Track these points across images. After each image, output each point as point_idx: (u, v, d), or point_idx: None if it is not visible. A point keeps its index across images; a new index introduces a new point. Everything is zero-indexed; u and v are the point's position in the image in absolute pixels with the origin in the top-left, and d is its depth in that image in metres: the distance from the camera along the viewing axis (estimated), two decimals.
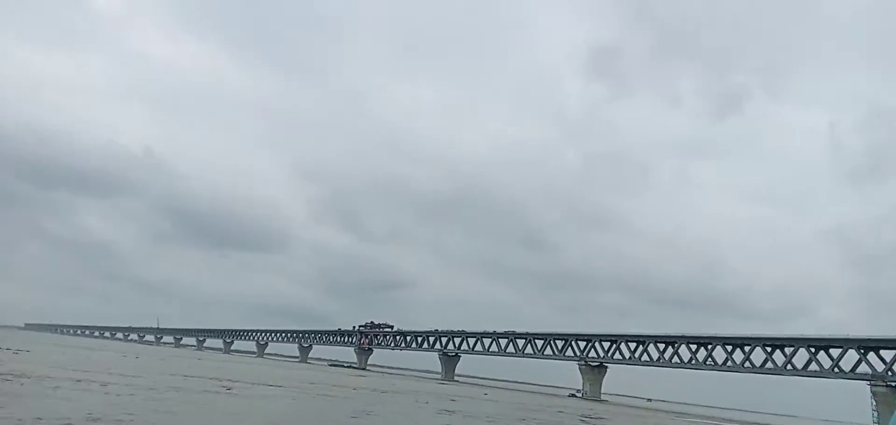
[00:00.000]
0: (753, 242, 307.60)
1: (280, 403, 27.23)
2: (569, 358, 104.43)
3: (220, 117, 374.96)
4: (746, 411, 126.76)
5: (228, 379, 38.42)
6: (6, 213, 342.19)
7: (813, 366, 77.85)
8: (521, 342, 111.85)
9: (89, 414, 15.52)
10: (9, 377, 23.17)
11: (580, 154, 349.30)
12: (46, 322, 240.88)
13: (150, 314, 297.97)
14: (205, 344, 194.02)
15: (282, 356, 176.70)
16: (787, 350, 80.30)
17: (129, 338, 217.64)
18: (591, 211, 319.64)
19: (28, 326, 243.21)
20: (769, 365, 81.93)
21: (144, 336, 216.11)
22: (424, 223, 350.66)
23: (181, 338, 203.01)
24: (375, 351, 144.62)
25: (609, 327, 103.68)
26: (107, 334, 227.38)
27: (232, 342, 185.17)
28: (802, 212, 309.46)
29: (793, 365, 79.57)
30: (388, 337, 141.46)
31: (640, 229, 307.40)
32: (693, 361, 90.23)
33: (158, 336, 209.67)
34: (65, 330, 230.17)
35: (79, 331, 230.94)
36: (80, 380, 25.33)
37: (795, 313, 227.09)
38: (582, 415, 44.59)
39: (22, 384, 21.43)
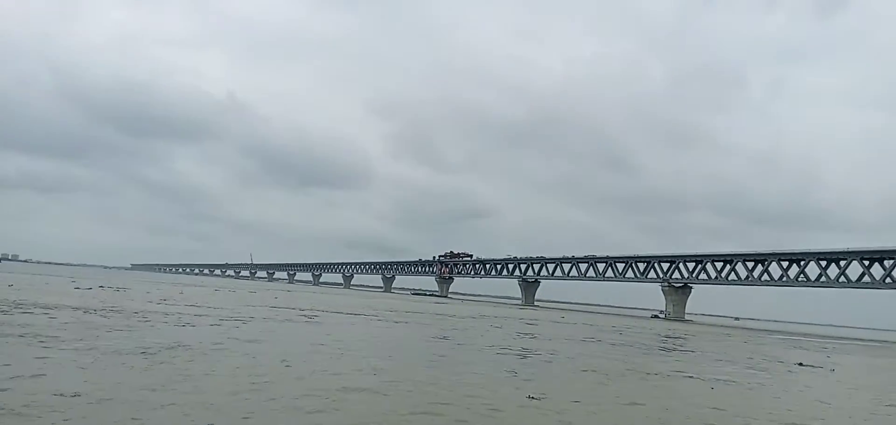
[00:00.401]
0: (856, 152, 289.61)
1: (365, 329, 28.17)
2: (651, 280, 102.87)
3: (297, 59, 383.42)
4: (844, 327, 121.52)
5: (313, 309, 40.04)
6: (109, 163, 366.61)
7: None
8: (601, 266, 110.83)
9: (178, 342, 16.56)
10: (109, 313, 24.90)
11: (665, 66, 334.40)
12: (151, 262, 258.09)
13: (243, 251, 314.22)
14: (295, 278, 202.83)
15: (367, 286, 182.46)
16: (887, 262, 75.89)
17: (226, 274, 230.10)
18: (679, 128, 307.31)
19: (134, 266, 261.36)
20: (866, 279, 77.85)
21: (240, 272, 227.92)
22: (502, 150, 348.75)
23: (274, 273, 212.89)
24: (456, 279, 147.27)
25: (697, 248, 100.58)
26: (206, 271, 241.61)
27: (320, 275, 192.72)
28: None
29: (892, 278, 75.23)
30: (467, 265, 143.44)
31: (732, 145, 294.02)
32: (784, 278, 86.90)
33: (253, 271, 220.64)
34: (167, 269, 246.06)
35: (180, 270, 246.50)
36: (173, 314, 26.95)
37: None
38: (664, 335, 43.99)
39: (122, 317, 23.00)
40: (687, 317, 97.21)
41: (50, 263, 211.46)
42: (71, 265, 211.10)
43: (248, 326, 23.22)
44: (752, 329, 79.20)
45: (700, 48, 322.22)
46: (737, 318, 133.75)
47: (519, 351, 21.16)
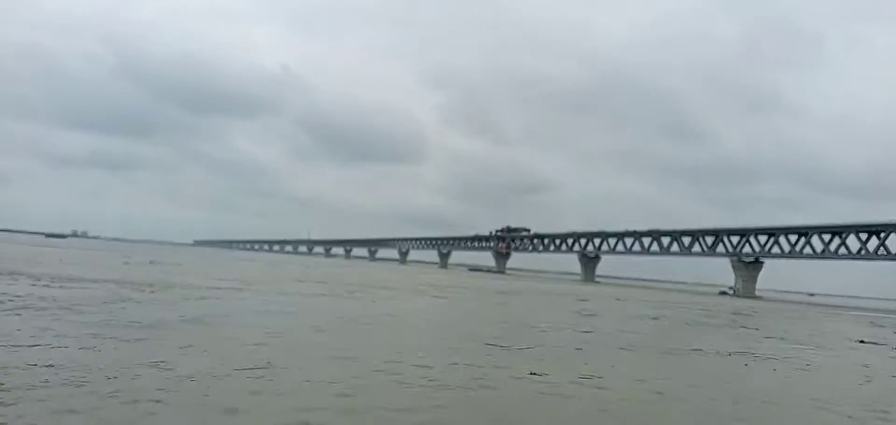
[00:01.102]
0: None
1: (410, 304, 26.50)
2: (720, 255, 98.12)
3: (349, 30, 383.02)
4: None
5: (360, 284, 38.63)
6: (171, 139, 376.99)
7: None
8: (665, 240, 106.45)
9: (227, 315, 15.46)
10: (145, 287, 23.92)
11: (736, 24, 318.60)
12: (213, 237, 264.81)
13: (301, 227, 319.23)
14: (351, 253, 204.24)
15: (424, 262, 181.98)
16: None
17: (285, 250, 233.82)
18: (750, 92, 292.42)
19: (197, 243, 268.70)
20: None
21: (298, 247, 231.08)
22: (561, 120, 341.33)
23: (330, 248, 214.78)
24: (513, 254, 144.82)
25: (769, 221, 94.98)
26: (265, 247, 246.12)
27: (376, 250, 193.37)
28: None
29: None
30: (525, 240, 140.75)
31: (808, 109, 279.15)
32: (863, 252, 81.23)
33: (310, 247, 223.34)
34: (229, 245, 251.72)
35: (242, 246, 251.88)
36: (218, 288, 25.84)
37: None
38: (732, 312, 40.79)
39: (155, 292, 21.93)
40: (758, 294, 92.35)
41: (117, 240, 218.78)
42: (137, 241, 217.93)
43: (280, 300, 21.76)
44: (827, 305, 74.27)
45: (772, 4, 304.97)
46: (812, 294, 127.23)
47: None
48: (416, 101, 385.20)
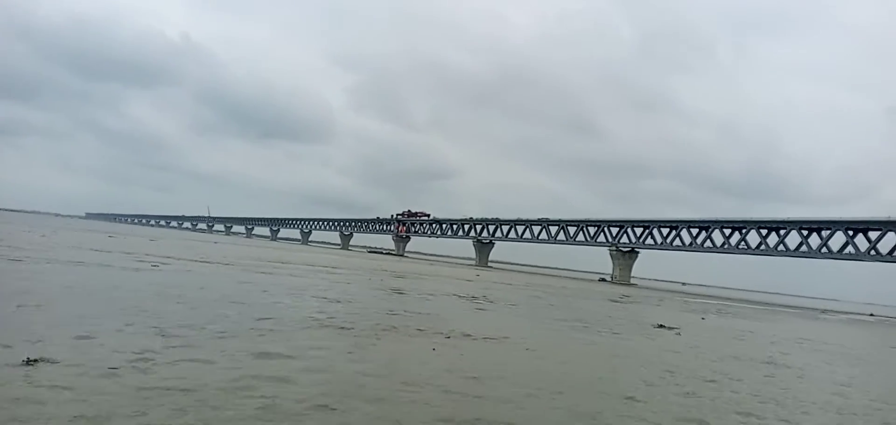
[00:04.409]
0: (814, 124, 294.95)
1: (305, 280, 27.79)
2: (601, 244, 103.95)
3: (259, 7, 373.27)
4: (785, 295, 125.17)
5: (235, 259, 39.34)
6: (61, 105, 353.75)
7: (849, 249, 75.40)
8: (553, 228, 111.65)
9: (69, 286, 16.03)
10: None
11: (635, 26, 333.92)
12: (105, 211, 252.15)
13: (201, 203, 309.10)
14: (253, 232, 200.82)
15: (325, 243, 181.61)
16: (824, 233, 77.90)
17: (183, 227, 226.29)
18: (645, 93, 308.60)
19: (88, 216, 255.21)
20: (804, 248, 79.83)
21: (197, 224, 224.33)
22: (468, 109, 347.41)
23: (231, 227, 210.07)
24: (413, 238, 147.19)
25: (657, 216, 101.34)
26: (162, 223, 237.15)
27: (278, 230, 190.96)
28: (870, 88, 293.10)
29: (828, 249, 77.25)
30: (424, 225, 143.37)
31: (697, 112, 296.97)
32: (725, 245, 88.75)
33: (210, 224, 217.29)
34: (122, 220, 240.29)
35: (135, 221, 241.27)
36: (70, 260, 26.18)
37: (858, 196, 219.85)
38: (610, 298, 44.48)
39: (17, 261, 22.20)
40: (632, 281, 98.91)
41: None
42: (22, 212, 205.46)
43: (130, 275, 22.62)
44: (688, 293, 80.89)
45: (670, 9, 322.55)
46: (684, 284, 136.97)
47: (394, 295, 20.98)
48: (326, 81, 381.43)
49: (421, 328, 14.81)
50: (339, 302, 19.80)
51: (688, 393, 10.21)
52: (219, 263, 33.73)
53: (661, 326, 23.35)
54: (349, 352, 10.70)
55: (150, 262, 27.84)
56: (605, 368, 12.34)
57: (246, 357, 9.32)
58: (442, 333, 14.08)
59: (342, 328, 13.45)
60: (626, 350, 15.68)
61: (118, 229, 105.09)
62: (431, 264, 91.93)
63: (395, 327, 14.48)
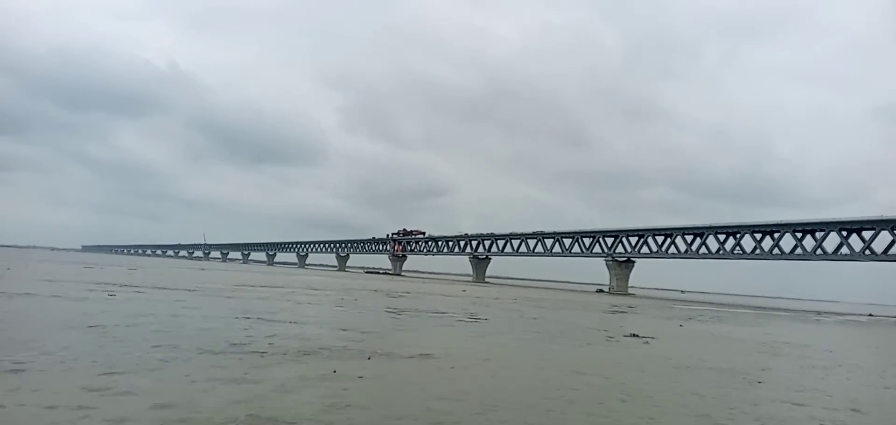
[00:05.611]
0: (804, 126, 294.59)
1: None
2: (596, 255, 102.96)
3: (243, 30, 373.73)
4: (785, 299, 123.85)
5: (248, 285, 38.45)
6: (48, 138, 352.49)
7: (844, 250, 74.38)
8: (549, 241, 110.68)
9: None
10: None
11: (619, 35, 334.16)
12: (102, 243, 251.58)
13: (197, 231, 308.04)
14: (249, 257, 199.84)
15: (322, 265, 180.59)
16: (818, 234, 76.88)
17: (179, 255, 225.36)
18: (633, 101, 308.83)
19: (85, 248, 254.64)
20: (799, 251, 78.81)
21: (193, 252, 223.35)
22: (459, 125, 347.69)
23: (227, 253, 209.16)
24: (409, 257, 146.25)
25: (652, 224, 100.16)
26: (158, 252, 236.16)
27: (274, 254, 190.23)
28: (857, 89, 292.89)
29: (823, 250, 76.20)
30: (420, 243, 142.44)
31: (687, 118, 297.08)
32: (721, 251, 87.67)
33: (206, 251, 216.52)
34: (119, 250, 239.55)
35: (131, 251, 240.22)
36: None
37: (851, 197, 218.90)
38: (605, 310, 43.42)
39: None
40: (630, 291, 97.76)
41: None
42: (17, 247, 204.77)
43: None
44: (685, 301, 79.61)
45: (653, 16, 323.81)
46: (683, 291, 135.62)
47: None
48: (316, 103, 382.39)
49: (348, 347, 13.86)
50: (290, 322, 18.83)
51: (610, 411, 9.22)
52: (184, 290, 32.71)
53: (633, 335, 22.39)
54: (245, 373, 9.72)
55: (107, 293, 26.88)
56: (534, 383, 11.34)
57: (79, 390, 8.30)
58: (364, 354, 13.06)
59: (261, 352, 12.47)
60: (582, 362, 14.69)
61: (107, 260, 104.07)
62: (424, 282, 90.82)
63: (325, 348, 13.50)
